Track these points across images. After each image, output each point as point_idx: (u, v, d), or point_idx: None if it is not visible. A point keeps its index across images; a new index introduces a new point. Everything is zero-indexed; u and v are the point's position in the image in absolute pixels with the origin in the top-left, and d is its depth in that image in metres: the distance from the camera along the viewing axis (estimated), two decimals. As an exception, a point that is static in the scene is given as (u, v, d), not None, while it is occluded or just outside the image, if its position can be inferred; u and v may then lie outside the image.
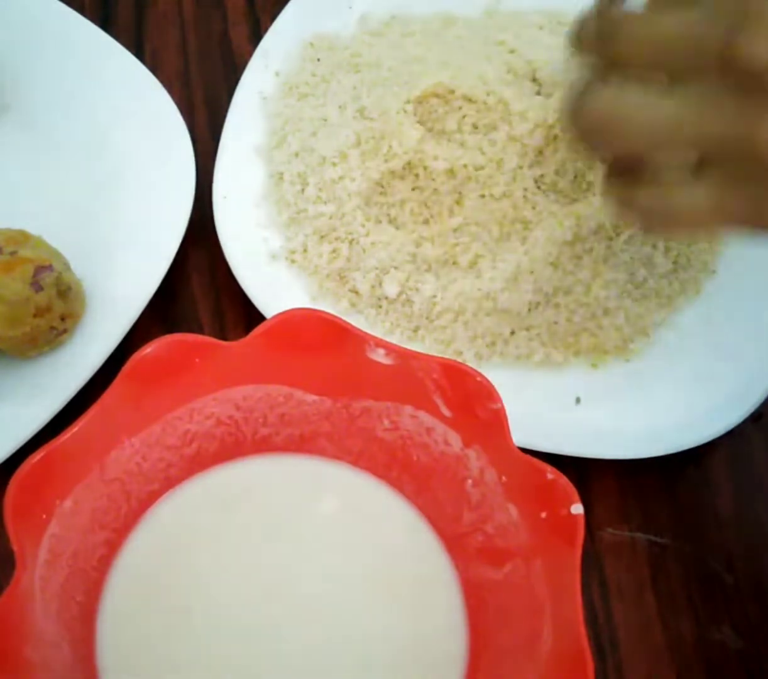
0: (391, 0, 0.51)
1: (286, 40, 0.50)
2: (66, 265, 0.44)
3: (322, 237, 0.46)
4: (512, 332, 0.47)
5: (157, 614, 0.38)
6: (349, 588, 0.39)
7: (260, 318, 0.43)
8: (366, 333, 0.38)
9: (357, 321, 0.45)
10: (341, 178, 0.46)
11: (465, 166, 0.45)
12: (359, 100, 0.47)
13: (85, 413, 0.36)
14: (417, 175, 0.45)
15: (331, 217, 0.46)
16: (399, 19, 0.51)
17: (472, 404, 0.37)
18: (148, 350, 0.36)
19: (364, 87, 0.48)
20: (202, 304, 0.49)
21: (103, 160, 0.48)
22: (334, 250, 0.46)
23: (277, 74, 0.50)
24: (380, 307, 0.47)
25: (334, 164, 0.46)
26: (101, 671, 0.37)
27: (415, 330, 0.47)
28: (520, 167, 0.45)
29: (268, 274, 0.46)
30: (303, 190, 0.47)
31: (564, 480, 0.36)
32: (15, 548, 0.33)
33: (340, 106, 0.48)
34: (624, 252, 0.47)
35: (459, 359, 0.46)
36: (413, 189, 0.46)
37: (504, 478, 0.37)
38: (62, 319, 0.43)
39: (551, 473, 0.36)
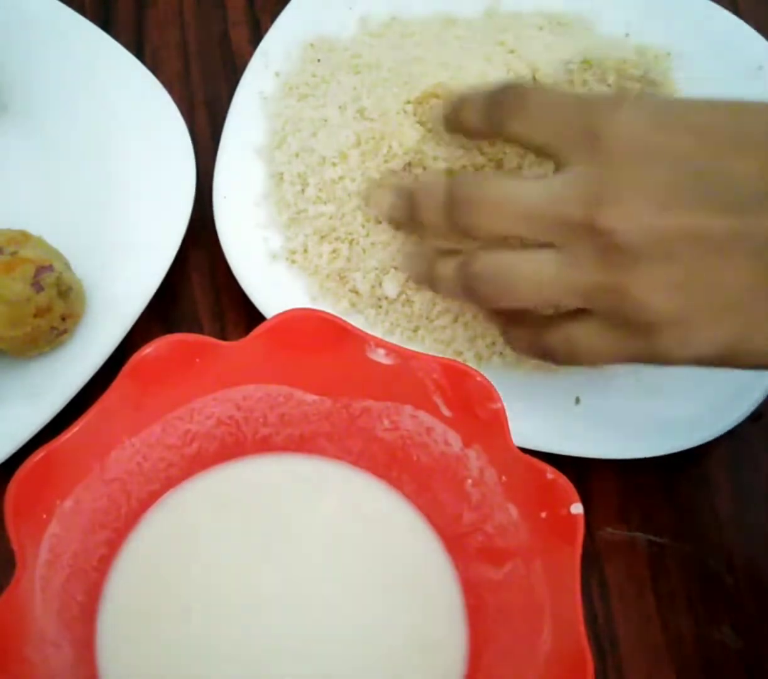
0: (391, 1, 0.51)
1: (286, 40, 0.50)
2: (66, 266, 0.44)
3: (322, 237, 0.47)
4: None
5: (158, 614, 0.38)
6: (349, 588, 0.39)
7: (260, 318, 0.43)
8: (366, 333, 0.38)
9: (357, 321, 0.45)
10: (341, 178, 0.46)
11: (464, 166, 0.45)
12: (359, 101, 0.47)
13: (85, 413, 0.36)
14: (417, 176, 0.45)
15: (331, 218, 0.46)
16: (399, 20, 0.51)
17: (472, 403, 0.37)
18: (148, 350, 0.36)
19: (364, 88, 0.48)
20: (202, 304, 0.49)
21: (103, 160, 0.48)
22: (334, 251, 0.46)
23: (277, 75, 0.50)
24: (380, 307, 0.47)
25: (334, 164, 0.46)
26: (101, 671, 0.37)
27: (415, 330, 0.47)
28: (520, 167, 0.45)
29: (268, 274, 0.46)
30: (303, 190, 0.47)
31: (564, 480, 0.36)
32: (15, 548, 0.33)
33: (340, 107, 0.48)
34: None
35: (459, 359, 0.46)
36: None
37: (504, 478, 0.37)
38: (63, 319, 0.43)
39: (551, 472, 0.36)
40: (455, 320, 0.46)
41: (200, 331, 0.49)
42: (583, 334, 0.38)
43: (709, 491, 0.48)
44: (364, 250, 0.46)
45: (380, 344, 0.38)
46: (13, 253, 0.42)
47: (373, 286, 0.46)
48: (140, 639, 0.38)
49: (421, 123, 0.46)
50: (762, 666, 0.45)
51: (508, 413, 0.37)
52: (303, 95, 0.49)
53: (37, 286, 0.41)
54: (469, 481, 0.39)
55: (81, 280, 0.44)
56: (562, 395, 0.47)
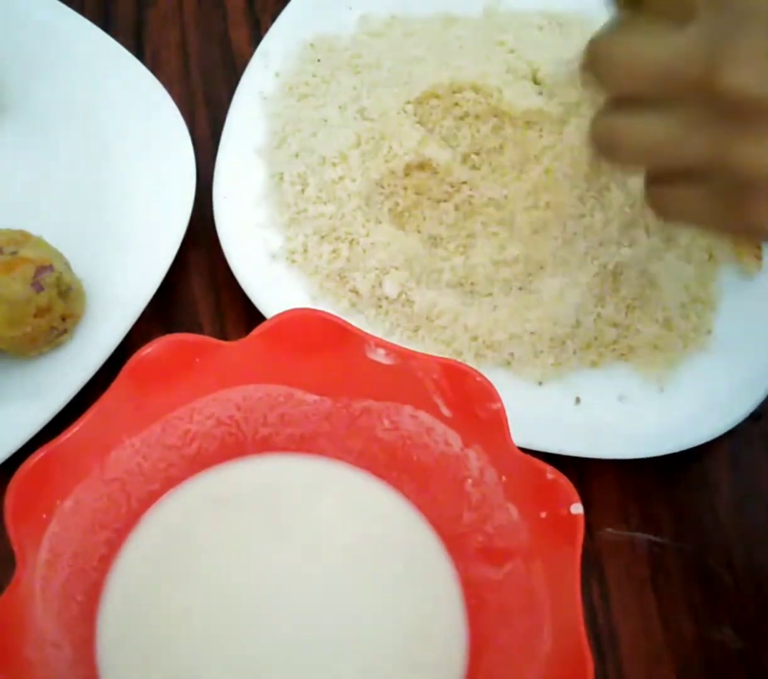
0: (391, 0, 0.51)
1: (286, 40, 0.50)
2: (66, 266, 0.44)
3: (322, 237, 0.47)
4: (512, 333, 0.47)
5: (158, 614, 0.38)
6: (349, 588, 0.39)
7: (260, 318, 0.43)
8: (366, 333, 0.38)
9: (357, 321, 0.45)
10: (341, 178, 0.46)
11: (464, 166, 0.45)
12: (359, 101, 0.47)
13: (85, 413, 0.36)
14: (417, 176, 0.45)
15: (331, 218, 0.46)
16: (399, 19, 0.51)
17: (472, 404, 0.37)
18: (148, 350, 0.36)
19: (364, 87, 0.48)
20: (202, 304, 0.49)
21: (104, 160, 0.48)
22: (334, 251, 0.46)
23: (277, 75, 0.50)
24: (380, 307, 0.47)
25: (334, 165, 0.46)
26: (101, 671, 0.37)
27: (415, 330, 0.47)
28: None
29: (268, 274, 0.46)
30: (303, 190, 0.47)
31: (564, 480, 0.36)
32: (15, 548, 0.33)
33: (340, 107, 0.48)
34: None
35: (459, 359, 0.46)
36: (413, 189, 0.46)
37: (504, 478, 0.37)
38: (63, 319, 0.43)
39: (551, 472, 0.36)
40: (455, 320, 0.46)
41: (200, 331, 0.49)
42: (689, 197, 0.37)
43: (709, 491, 0.48)
44: (364, 250, 0.46)
45: (380, 344, 0.38)
46: (13, 253, 0.42)
47: (373, 286, 0.46)
48: (140, 639, 0.38)
49: (421, 123, 0.46)
50: (762, 666, 0.45)
51: (508, 413, 0.37)
52: (303, 95, 0.49)
53: (37, 286, 0.41)
54: (469, 481, 0.39)
55: (81, 280, 0.44)
56: (562, 394, 0.47)
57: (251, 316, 0.46)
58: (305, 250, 0.47)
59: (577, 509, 0.35)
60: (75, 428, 0.35)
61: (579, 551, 0.35)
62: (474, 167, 0.46)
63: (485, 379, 0.37)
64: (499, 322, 0.46)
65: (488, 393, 0.37)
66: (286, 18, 0.51)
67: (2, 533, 0.33)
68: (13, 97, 0.49)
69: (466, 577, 0.39)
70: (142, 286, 0.45)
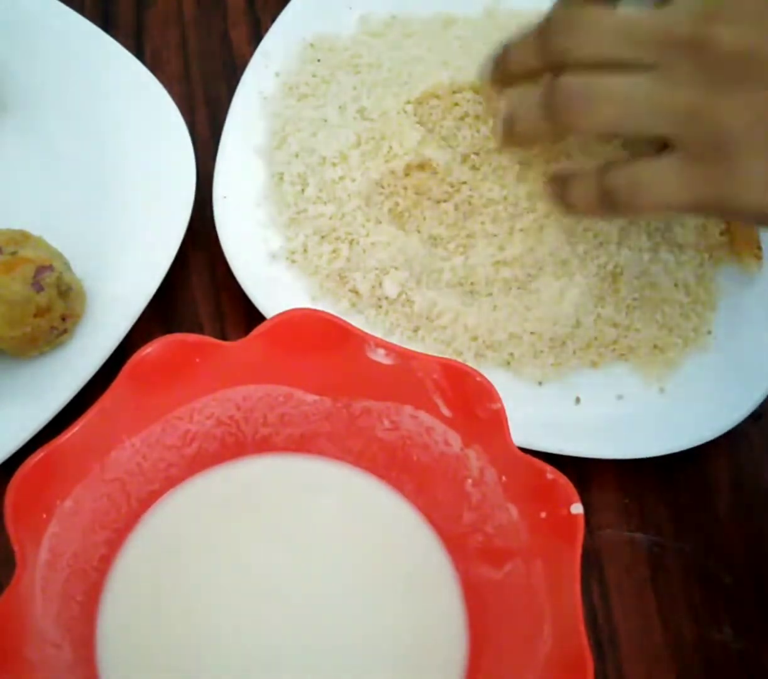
0: (391, 0, 0.51)
1: (286, 40, 0.50)
2: (66, 266, 0.44)
3: (322, 237, 0.47)
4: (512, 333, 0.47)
5: (157, 614, 0.38)
6: (349, 588, 0.39)
7: (260, 318, 0.43)
8: (366, 333, 0.38)
9: (357, 321, 0.45)
10: (341, 178, 0.46)
11: (464, 166, 0.45)
12: (359, 101, 0.47)
13: (85, 413, 0.36)
14: (417, 176, 0.45)
15: (331, 218, 0.46)
16: (399, 19, 0.51)
17: (472, 404, 0.37)
18: (149, 350, 0.36)
19: (364, 88, 0.48)
20: (202, 304, 0.49)
21: (104, 160, 0.48)
22: (334, 251, 0.46)
23: (277, 74, 0.50)
24: (380, 307, 0.47)
25: (334, 165, 0.46)
26: (101, 672, 0.37)
27: (415, 330, 0.47)
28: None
29: (268, 274, 0.46)
30: (303, 190, 0.47)
31: (564, 480, 0.36)
32: (15, 548, 0.33)
33: (340, 107, 0.48)
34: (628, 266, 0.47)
35: (459, 359, 0.46)
36: (413, 190, 0.46)
37: (504, 478, 0.37)
38: (63, 319, 0.43)
39: (551, 472, 0.36)
40: (455, 320, 0.46)
41: (200, 331, 0.49)
42: (653, 169, 0.38)
43: (709, 491, 0.48)
44: (364, 250, 0.46)
45: (380, 344, 0.38)
46: (13, 253, 0.42)
47: (373, 286, 0.46)
48: (140, 640, 0.38)
49: (421, 123, 0.46)
50: (762, 666, 0.45)
51: (508, 413, 0.37)
52: (303, 95, 0.49)
53: (37, 286, 0.41)
54: (469, 481, 0.39)
55: (81, 280, 0.44)
56: (562, 394, 0.47)
57: (251, 316, 0.46)
58: (305, 250, 0.47)
59: (577, 509, 0.35)
60: (75, 428, 0.35)
61: (579, 551, 0.35)
62: (474, 168, 0.46)
63: (485, 379, 0.37)
64: (499, 322, 0.46)
65: (488, 393, 0.37)
66: (286, 18, 0.51)
67: (2, 533, 0.33)
68: (13, 97, 0.49)
69: (466, 577, 0.39)
70: (142, 286, 0.45)
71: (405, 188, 0.46)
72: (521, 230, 0.46)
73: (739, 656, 0.45)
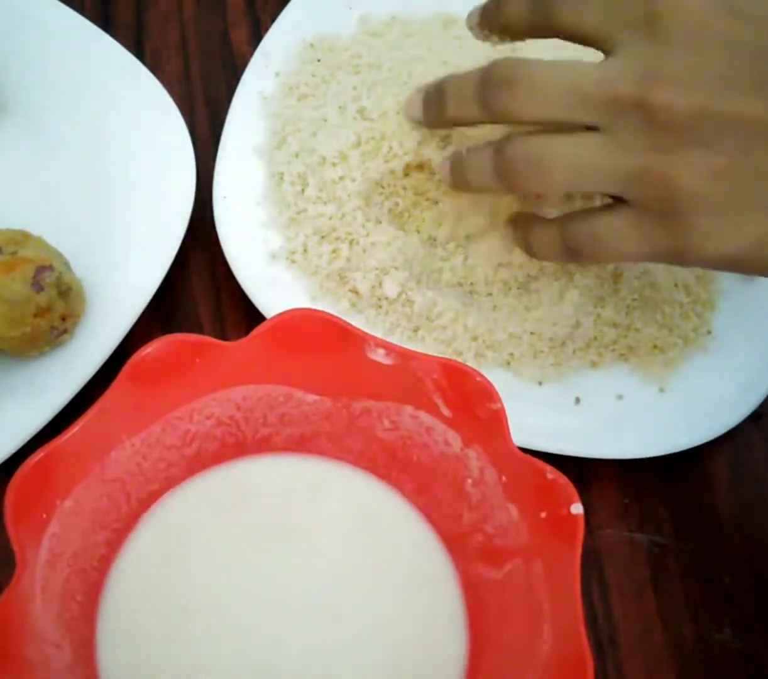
0: (391, 0, 0.51)
1: (286, 40, 0.50)
2: (66, 266, 0.44)
3: (322, 237, 0.46)
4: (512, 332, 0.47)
5: (157, 614, 0.38)
6: (349, 588, 0.39)
7: (260, 318, 0.43)
8: (366, 333, 0.38)
9: (357, 321, 0.45)
10: (341, 178, 0.46)
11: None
12: (359, 101, 0.47)
13: (85, 413, 0.36)
14: (416, 176, 0.45)
15: (331, 218, 0.46)
16: (399, 19, 0.51)
17: (472, 404, 0.37)
18: (149, 349, 0.36)
19: (364, 88, 0.48)
20: (202, 304, 0.49)
21: (103, 160, 0.48)
22: (334, 251, 0.46)
23: (277, 75, 0.50)
24: (380, 307, 0.47)
25: (334, 165, 0.46)
26: (101, 671, 0.37)
27: (415, 330, 0.47)
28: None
29: (268, 274, 0.46)
30: (303, 190, 0.47)
31: (564, 480, 0.36)
32: (15, 548, 0.33)
33: (340, 107, 0.48)
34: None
35: (459, 359, 0.46)
36: (412, 190, 0.46)
37: (504, 478, 0.37)
38: (63, 319, 0.43)
39: (551, 472, 0.36)
40: (455, 320, 0.46)
41: (200, 331, 0.49)
42: (611, 225, 0.38)
43: (709, 491, 0.48)
44: (364, 250, 0.46)
45: (380, 344, 0.38)
46: (13, 253, 0.42)
47: (373, 286, 0.46)
48: (140, 639, 0.38)
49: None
50: (762, 666, 0.45)
51: (508, 413, 0.37)
52: (303, 95, 0.49)
53: (37, 286, 0.41)
54: (469, 481, 0.39)
55: (81, 280, 0.44)
56: (562, 394, 0.47)
57: (251, 316, 0.46)
58: (305, 250, 0.47)
59: (577, 509, 0.35)
60: (75, 428, 0.35)
61: (579, 551, 0.35)
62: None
63: (485, 379, 0.37)
64: (499, 322, 0.46)
65: (488, 393, 0.37)
66: (286, 18, 0.51)
67: (2, 533, 0.33)
68: (13, 97, 0.49)
69: (466, 577, 0.39)
70: (142, 286, 0.45)
71: (405, 188, 0.46)
72: (521, 230, 0.46)
73: (739, 656, 0.45)
